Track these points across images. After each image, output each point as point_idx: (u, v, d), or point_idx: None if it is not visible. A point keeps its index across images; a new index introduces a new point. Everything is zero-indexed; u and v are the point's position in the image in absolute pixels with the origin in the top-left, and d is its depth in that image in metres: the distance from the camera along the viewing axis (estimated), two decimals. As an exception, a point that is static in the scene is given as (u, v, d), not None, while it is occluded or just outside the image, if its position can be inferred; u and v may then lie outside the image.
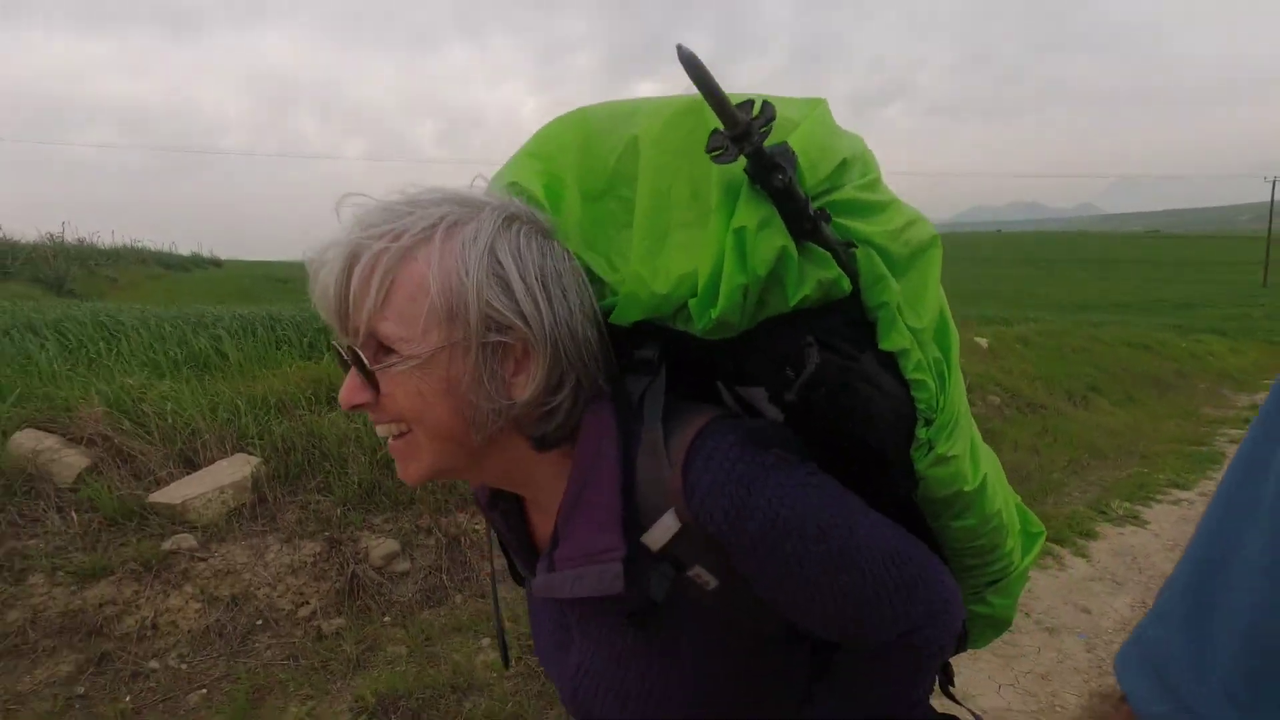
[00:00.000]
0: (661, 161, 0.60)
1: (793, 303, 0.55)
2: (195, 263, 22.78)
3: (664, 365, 0.64)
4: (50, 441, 2.98)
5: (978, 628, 0.83)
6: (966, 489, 0.66)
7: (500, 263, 0.58)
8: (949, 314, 0.66)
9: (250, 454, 3.29)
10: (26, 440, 2.94)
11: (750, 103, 0.53)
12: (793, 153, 0.54)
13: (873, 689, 0.69)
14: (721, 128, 0.53)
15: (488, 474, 0.67)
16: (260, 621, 2.76)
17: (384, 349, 0.59)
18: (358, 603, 2.96)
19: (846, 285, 0.57)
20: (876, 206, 0.61)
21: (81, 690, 2.33)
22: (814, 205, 0.55)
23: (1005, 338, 10.19)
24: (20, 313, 4.41)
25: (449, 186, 0.63)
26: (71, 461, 2.93)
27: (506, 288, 0.58)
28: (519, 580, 0.83)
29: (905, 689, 0.70)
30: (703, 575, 0.61)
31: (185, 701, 2.38)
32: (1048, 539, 4.19)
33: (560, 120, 0.73)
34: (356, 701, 2.45)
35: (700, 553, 0.60)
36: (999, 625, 0.83)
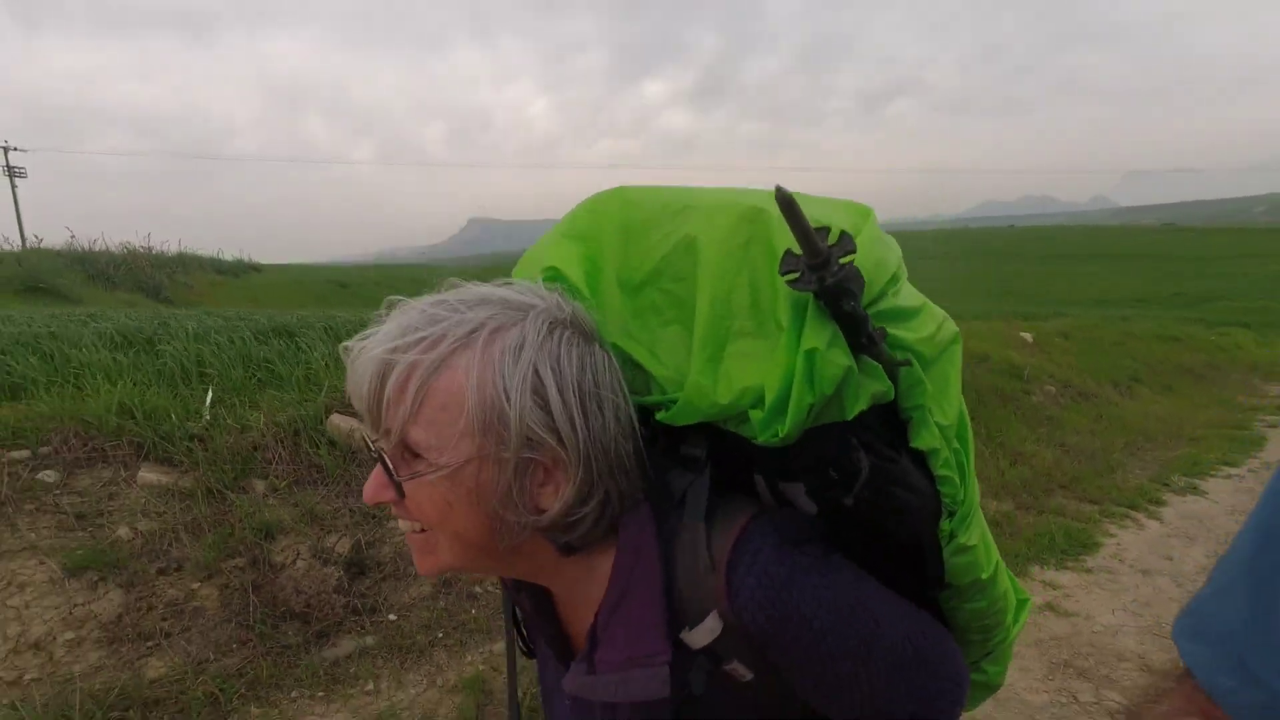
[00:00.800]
0: (724, 267, 0.61)
1: (850, 416, 0.56)
2: (240, 268, 23.72)
3: (709, 463, 0.65)
4: (354, 423, 3.78)
5: (972, 693, 0.83)
6: (983, 576, 0.69)
7: (541, 379, 0.57)
8: (965, 408, 0.68)
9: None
10: (341, 423, 3.75)
11: (827, 230, 0.55)
12: (862, 278, 0.55)
13: None
14: (797, 252, 0.54)
15: (511, 573, 0.68)
16: (537, 560, 3.55)
17: (412, 454, 0.59)
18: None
19: (892, 394, 0.58)
20: (913, 312, 0.63)
21: (443, 604, 3.12)
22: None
23: (1046, 332, 10.87)
24: (261, 321, 5.22)
25: (491, 288, 0.63)
26: (377, 438, 3.73)
27: (544, 405, 0.57)
28: (531, 654, 0.85)
29: None
30: (739, 669, 0.62)
31: (514, 613, 3.18)
32: (1124, 505, 4.94)
33: (598, 201, 0.74)
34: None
35: (738, 649, 0.61)
36: (991, 689, 0.87)
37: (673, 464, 0.66)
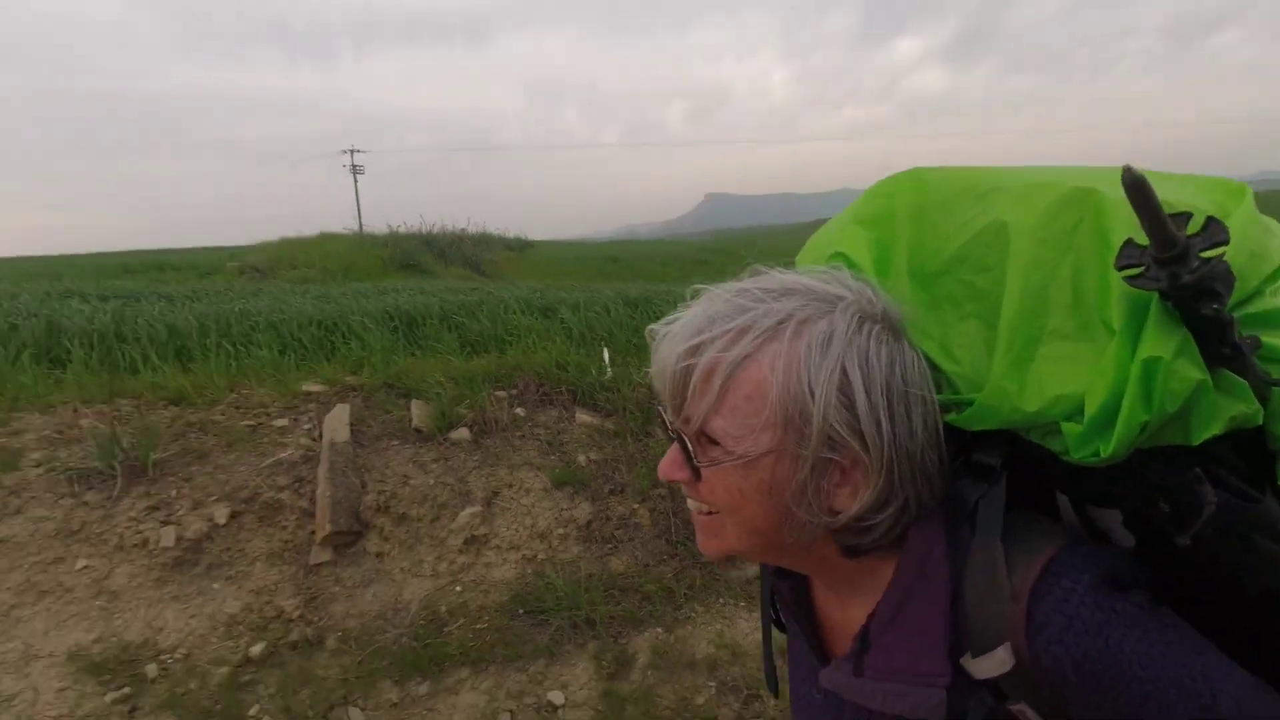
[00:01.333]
0: (1040, 257, 0.54)
1: (1195, 442, 0.48)
2: (520, 245, 26.86)
3: (1004, 474, 0.58)
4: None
5: None
6: None
7: (848, 377, 0.54)
8: None
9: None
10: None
11: (1186, 216, 0.46)
12: (1233, 276, 0.46)
13: None
14: (1141, 242, 0.47)
15: (788, 564, 0.66)
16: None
17: (710, 440, 0.58)
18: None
19: (1260, 418, 0.49)
20: None
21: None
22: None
23: None
24: (609, 294, 6.09)
25: (796, 276, 0.60)
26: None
27: (850, 405, 0.54)
28: (781, 627, 0.82)
29: None
30: (1026, 713, 0.55)
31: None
32: None
33: (890, 183, 0.70)
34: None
35: (1029, 691, 0.54)
36: None
37: (963, 471, 0.60)
